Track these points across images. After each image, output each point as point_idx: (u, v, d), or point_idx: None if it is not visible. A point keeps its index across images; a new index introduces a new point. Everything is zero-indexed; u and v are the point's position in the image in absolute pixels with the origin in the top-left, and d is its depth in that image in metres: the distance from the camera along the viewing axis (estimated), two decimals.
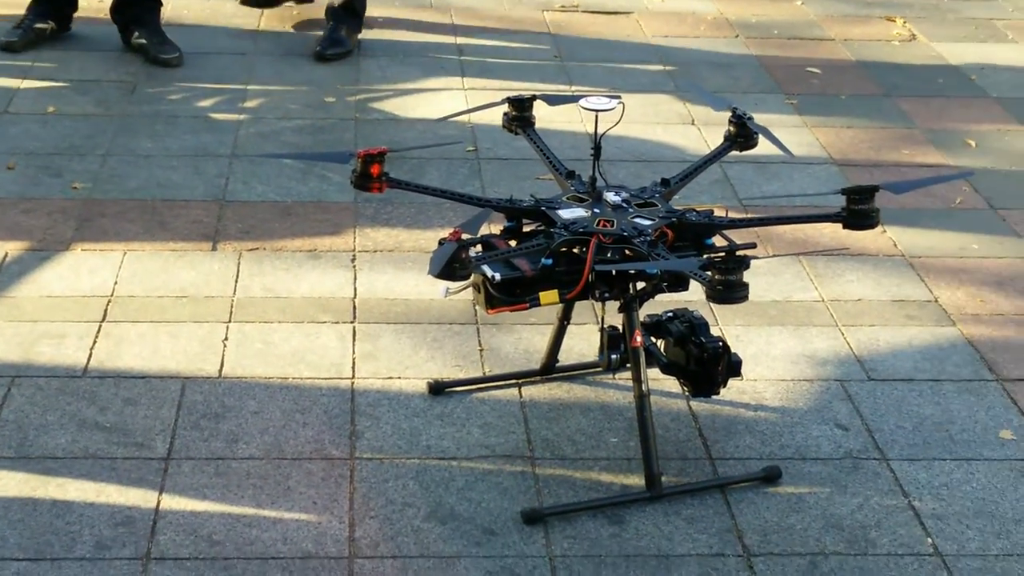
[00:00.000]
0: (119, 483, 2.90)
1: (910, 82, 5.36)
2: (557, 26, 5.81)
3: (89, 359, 3.32)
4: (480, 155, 4.55)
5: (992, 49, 5.77)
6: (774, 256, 3.86)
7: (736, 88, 5.21)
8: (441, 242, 2.72)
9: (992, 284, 3.86)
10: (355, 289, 3.70)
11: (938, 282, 3.86)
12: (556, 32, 5.74)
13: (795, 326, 3.60)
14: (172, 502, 2.85)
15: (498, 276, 2.83)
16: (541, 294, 2.87)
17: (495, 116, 3.36)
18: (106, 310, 3.54)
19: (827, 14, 6.11)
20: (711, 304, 3.18)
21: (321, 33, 5.39)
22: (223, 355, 3.37)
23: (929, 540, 2.84)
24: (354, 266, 3.82)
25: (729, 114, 3.25)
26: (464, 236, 2.72)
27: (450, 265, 2.66)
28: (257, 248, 3.89)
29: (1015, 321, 3.68)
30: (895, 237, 4.09)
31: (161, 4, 5.31)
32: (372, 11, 5.69)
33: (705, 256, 2.83)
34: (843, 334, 3.57)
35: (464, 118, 4.69)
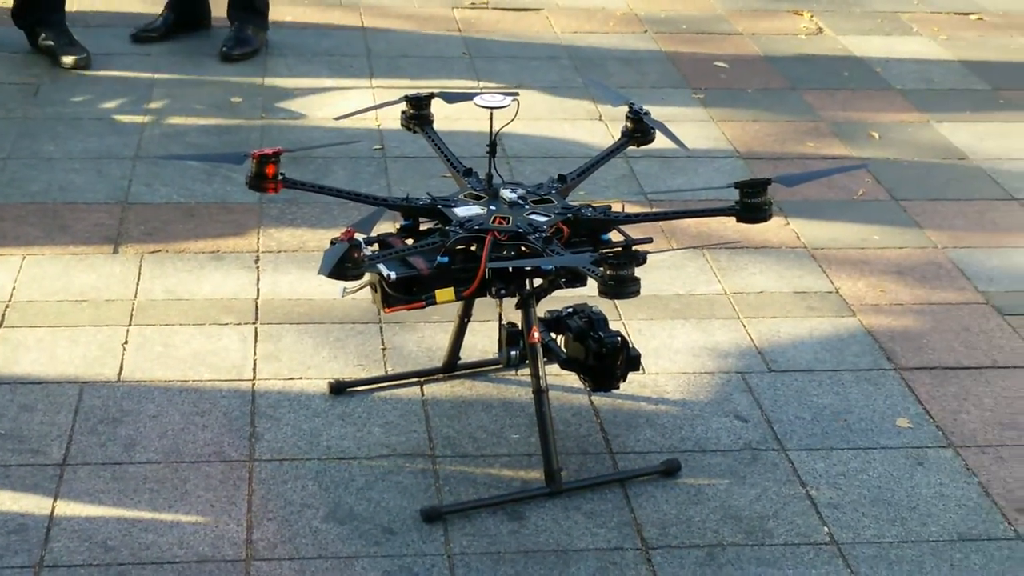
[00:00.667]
0: (12, 490, 2.86)
1: (816, 75, 5.41)
2: (467, 23, 5.81)
3: None
4: (387, 154, 4.53)
5: (897, 42, 5.83)
6: (674, 250, 3.88)
7: (644, 83, 5.23)
8: (333, 242, 2.71)
9: (892, 274, 3.91)
10: (258, 290, 3.68)
11: (839, 273, 3.90)
12: (465, 29, 5.74)
13: (697, 319, 3.62)
14: (67, 508, 2.82)
15: (393, 275, 2.82)
16: (437, 292, 2.87)
17: None
18: (3, 315, 3.49)
19: (735, 8, 6.15)
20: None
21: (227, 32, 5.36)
22: (122, 359, 3.33)
23: (825, 529, 2.87)
24: (257, 267, 3.80)
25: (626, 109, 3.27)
26: (357, 235, 2.71)
27: (341, 264, 2.65)
28: (159, 250, 3.86)
29: (913, 310, 3.72)
30: (798, 229, 4.13)
31: (64, 1, 5.24)
32: (281, 10, 5.66)
33: (598, 252, 2.84)
34: (745, 326, 3.60)
35: (372, 117, 4.67)
